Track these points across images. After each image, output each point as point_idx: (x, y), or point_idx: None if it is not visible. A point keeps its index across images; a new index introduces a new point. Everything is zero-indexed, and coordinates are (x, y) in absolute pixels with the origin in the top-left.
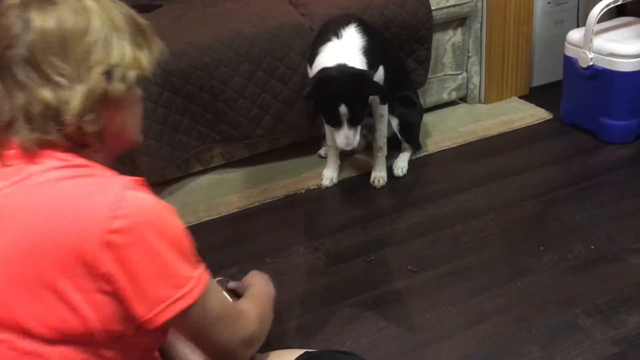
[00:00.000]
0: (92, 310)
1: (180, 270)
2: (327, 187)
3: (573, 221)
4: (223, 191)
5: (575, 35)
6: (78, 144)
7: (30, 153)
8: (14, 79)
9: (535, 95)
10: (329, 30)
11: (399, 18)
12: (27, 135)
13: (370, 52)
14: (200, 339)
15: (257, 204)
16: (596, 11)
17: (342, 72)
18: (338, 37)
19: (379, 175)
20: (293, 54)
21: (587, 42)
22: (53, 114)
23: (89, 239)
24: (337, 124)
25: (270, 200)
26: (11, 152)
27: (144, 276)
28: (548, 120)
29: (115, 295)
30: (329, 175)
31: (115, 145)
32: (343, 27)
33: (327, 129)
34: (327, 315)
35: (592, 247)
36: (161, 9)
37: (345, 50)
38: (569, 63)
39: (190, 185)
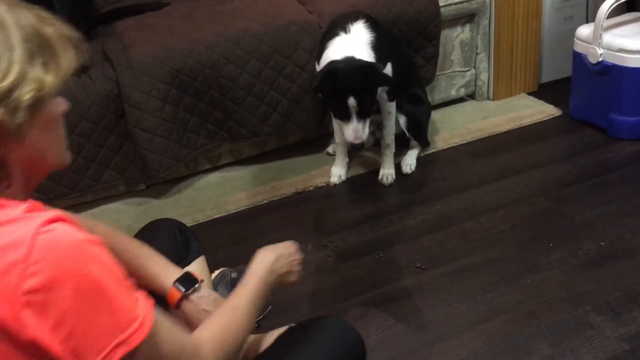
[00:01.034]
0: None
1: (118, 312)
2: (335, 185)
3: (583, 218)
4: (231, 189)
5: (584, 31)
6: None
7: None
8: None
9: (544, 92)
10: (337, 25)
11: (407, 14)
12: None
13: (378, 47)
14: None
15: (265, 201)
16: (605, 7)
17: (350, 65)
18: (346, 32)
19: (387, 173)
20: (301, 51)
21: (596, 38)
22: None
23: (4, 305)
24: (345, 117)
25: (278, 198)
26: None
27: (76, 329)
28: (557, 117)
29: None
30: (337, 172)
31: (32, 174)
32: (351, 23)
33: (336, 124)
34: (336, 312)
35: (602, 243)
36: (169, 8)
37: (354, 44)
38: (579, 59)
39: (198, 183)
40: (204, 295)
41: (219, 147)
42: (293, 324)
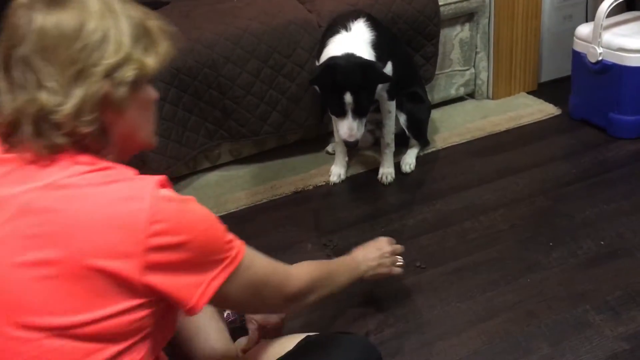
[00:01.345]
0: (129, 314)
1: (221, 249)
2: (335, 184)
3: (582, 217)
4: (231, 188)
5: (584, 30)
6: (87, 147)
7: (47, 156)
8: (17, 77)
9: (543, 91)
10: (338, 24)
11: (407, 13)
12: (34, 138)
13: (378, 46)
14: (246, 305)
15: (265, 200)
16: (605, 6)
17: (349, 61)
18: (347, 30)
19: (386, 172)
20: (300, 50)
21: (596, 37)
22: (47, 115)
23: (132, 246)
24: (341, 113)
25: (278, 197)
26: (29, 155)
27: (187, 269)
28: (557, 116)
29: (155, 299)
30: (337, 171)
31: (126, 147)
32: (352, 21)
33: (333, 121)
34: (335, 311)
35: (602, 243)
36: (168, 6)
37: (354, 42)
38: (578, 58)
39: (198, 182)
40: None
41: (218, 146)
42: (310, 334)
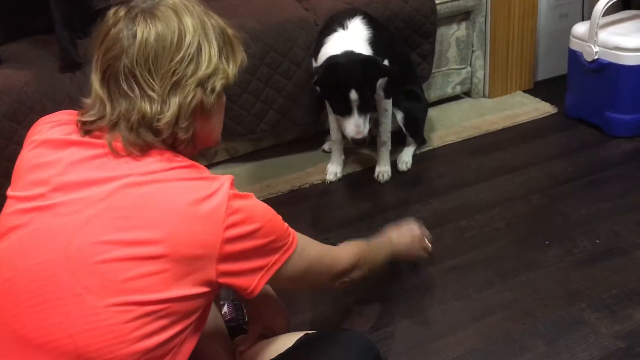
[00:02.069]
0: (201, 295)
1: (282, 236)
2: (331, 182)
3: (578, 215)
4: None
5: (580, 28)
6: (172, 146)
7: (134, 152)
8: (119, 88)
9: (539, 90)
10: (334, 22)
11: (403, 12)
12: (127, 137)
13: (375, 44)
14: (298, 283)
15: (261, 199)
16: (601, 4)
17: (350, 58)
18: (344, 28)
19: (383, 170)
20: (297, 48)
21: (592, 36)
22: (149, 123)
23: (213, 236)
24: (347, 112)
25: (274, 195)
26: (119, 146)
27: (255, 255)
28: (553, 115)
29: (222, 282)
30: (333, 170)
31: (201, 146)
32: (349, 19)
33: (333, 121)
34: (332, 310)
35: (598, 241)
36: None
37: (351, 40)
38: (574, 57)
39: None
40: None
41: None
42: (309, 332)
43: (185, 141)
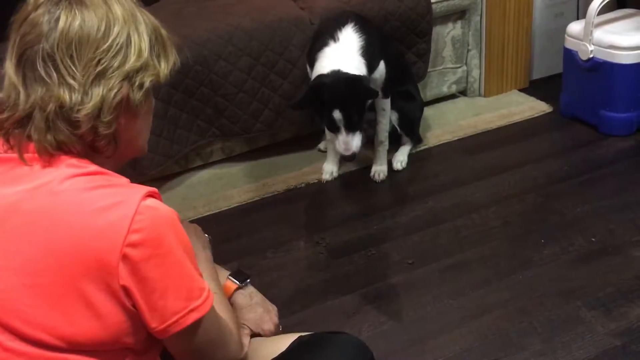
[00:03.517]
0: (109, 321)
1: (194, 281)
2: (327, 181)
3: (574, 214)
4: (223, 186)
5: (575, 27)
6: (91, 148)
7: (45, 156)
8: (35, 73)
9: (535, 88)
10: (326, 32)
11: (399, 11)
12: (42, 135)
13: (369, 51)
14: (195, 356)
15: (257, 198)
16: (596, 3)
17: (335, 79)
18: (335, 41)
19: (379, 169)
20: (292, 47)
21: (587, 35)
22: (67, 114)
23: (109, 252)
24: (334, 129)
25: (270, 195)
26: (28, 155)
27: (161, 288)
28: (548, 113)
29: (130, 308)
30: (329, 169)
31: (125, 152)
32: (340, 29)
33: (327, 133)
34: (328, 309)
35: (593, 239)
36: (160, 3)
37: (343, 54)
38: (569, 55)
39: (190, 180)
40: (253, 289)
41: (210, 144)
42: (303, 334)
43: (107, 138)
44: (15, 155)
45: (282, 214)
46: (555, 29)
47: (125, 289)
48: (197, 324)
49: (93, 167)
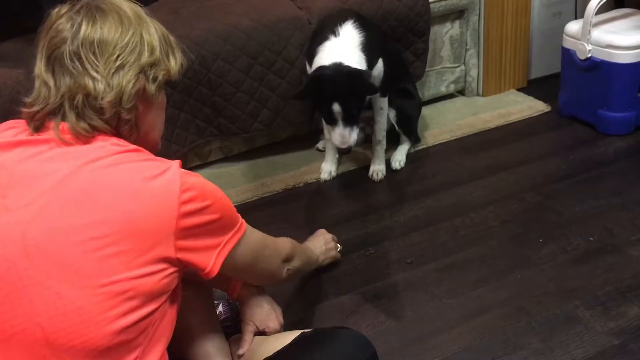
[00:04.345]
0: (162, 274)
1: (232, 216)
2: (325, 181)
3: (572, 213)
4: (221, 185)
5: (573, 27)
6: (117, 133)
7: (82, 137)
8: (63, 67)
9: (533, 88)
10: (326, 28)
11: (397, 10)
12: (75, 121)
13: (368, 47)
14: (250, 269)
15: (255, 198)
16: (594, 3)
17: (336, 71)
18: (335, 35)
19: (377, 169)
20: (291, 47)
21: (585, 34)
22: (92, 102)
23: (167, 210)
24: (332, 122)
25: (268, 194)
26: (67, 136)
27: (209, 232)
28: (546, 113)
29: (181, 259)
30: (328, 168)
31: (143, 143)
32: (340, 25)
33: (325, 125)
34: (327, 308)
35: (591, 239)
36: (158, 2)
37: (343, 48)
38: (567, 55)
39: None
40: (260, 287)
41: (208, 144)
42: (305, 330)
43: (129, 123)
44: (50, 137)
45: (280, 213)
46: (553, 28)
47: (180, 242)
48: (238, 244)
49: (133, 145)
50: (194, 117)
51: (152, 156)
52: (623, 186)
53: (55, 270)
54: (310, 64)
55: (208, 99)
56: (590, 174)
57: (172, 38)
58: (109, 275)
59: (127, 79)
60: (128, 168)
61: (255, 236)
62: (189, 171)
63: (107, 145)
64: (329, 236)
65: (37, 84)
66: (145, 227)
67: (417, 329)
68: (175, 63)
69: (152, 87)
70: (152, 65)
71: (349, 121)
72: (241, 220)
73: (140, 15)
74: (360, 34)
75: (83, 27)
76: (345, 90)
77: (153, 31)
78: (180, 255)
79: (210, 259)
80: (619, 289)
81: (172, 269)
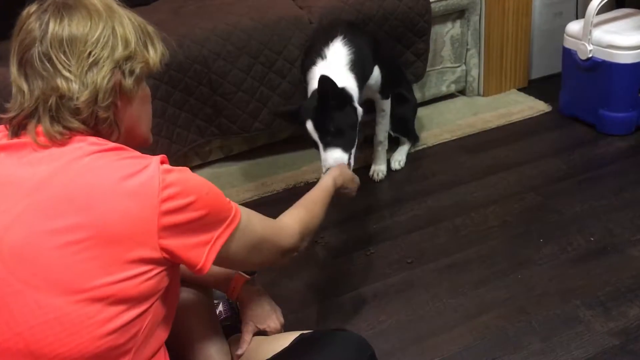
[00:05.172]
0: (146, 276)
1: (223, 204)
2: None
3: (572, 213)
4: (222, 185)
5: (574, 27)
6: (96, 133)
7: (58, 139)
8: (35, 70)
9: (534, 88)
10: (314, 51)
11: (398, 10)
12: (49, 125)
13: (359, 63)
14: (247, 262)
15: (256, 197)
16: (595, 3)
17: (312, 97)
18: (322, 58)
19: (378, 169)
20: (291, 46)
21: (586, 34)
22: (67, 103)
23: (147, 209)
24: (315, 144)
25: (269, 194)
26: (41, 139)
27: (196, 229)
28: (547, 113)
29: (167, 258)
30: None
31: (129, 140)
32: (327, 45)
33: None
34: (328, 308)
35: (592, 239)
36: (159, 2)
37: (330, 72)
38: (568, 55)
39: None
40: (260, 287)
41: (209, 143)
42: (304, 332)
43: (107, 121)
44: (28, 140)
45: (280, 213)
46: (554, 28)
47: (164, 242)
48: (231, 238)
49: (112, 144)
50: (195, 116)
51: (132, 153)
52: (623, 186)
53: (33, 278)
54: (305, 84)
55: (209, 99)
56: (591, 174)
57: (150, 28)
58: (88, 280)
59: (101, 75)
60: (104, 168)
61: (253, 227)
62: (171, 167)
63: (84, 145)
64: (350, 172)
65: (14, 89)
66: (123, 228)
67: (417, 328)
68: (155, 53)
69: (129, 82)
70: (128, 58)
71: (329, 143)
72: (234, 210)
73: (110, 7)
74: (349, 50)
75: (51, 26)
76: (317, 108)
77: (127, 22)
78: (167, 254)
79: (201, 256)
80: (620, 289)
81: (158, 269)
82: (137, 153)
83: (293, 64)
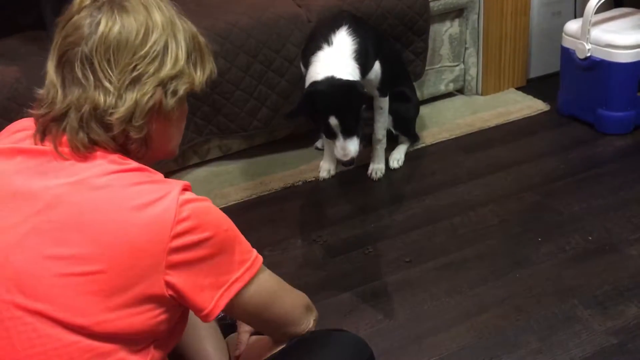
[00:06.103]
0: (149, 314)
1: (243, 247)
2: (324, 179)
3: (571, 212)
4: (220, 184)
5: (572, 26)
6: (123, 149)
7: (79, 152)
8: (73, 75)
9: (532, 87)
10: (320, 36)
11: (396, 9)
12: (74, 134)
13: (363, 54)
14: (262, 315)
15: (254, 196)
16: (594, 2)
17: (329, 85)
18: (329, 44)
19: (376, 168)
20: (290, 45)
21: (584, 33)
22: (100, 116)
23: (156, 244)
24: (332, 136)
25: (267, 193)
26: (65, 149)
27: (208, 269)
28: (545, 112)
29: (172, 298)
30: (326, 167)
31: (156, 154)
32: (334, 32)
33: (325, 140)
34: (326, 307)
35: (590, 238)
36: None
37: (336, 58)
38: (567, 54)
39: (186, 178)
40: None
41: (207, 142)
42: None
43: (138, 141)
44: (49, 148)
45: (279, 212)
46: (553, 27)
47: (171, 279)
48: (246, 288)
49: (135, 164)
50: (193, 115)
51: (153, 177)
52: (621, 185)
53: (33, 305)
54: (306, 68)
55: (207, 97)
56: (589, 173)
57: (202, 41)
58: (89, 315)
59: (142, 93)
60: (119, 192)
61: (271, 277)
62: (192, 197)
63: (104, 163)
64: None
65: (47, 80)
66: (130, 263)
67: (416, 327)
68: (202, 74)
69: (170, 102)
70: (174, 77)
71: (348, 133)
72: (255, 255)
73: (171, 19)
74: (354, 40)
75: (101, 28)
76: (339, 104)
77: (181, 37)
78: (173, 292)
79: (210, 300)
80: (618, 288)
81: (162, 309)
82: (159, 176)
83: (292, 63)
